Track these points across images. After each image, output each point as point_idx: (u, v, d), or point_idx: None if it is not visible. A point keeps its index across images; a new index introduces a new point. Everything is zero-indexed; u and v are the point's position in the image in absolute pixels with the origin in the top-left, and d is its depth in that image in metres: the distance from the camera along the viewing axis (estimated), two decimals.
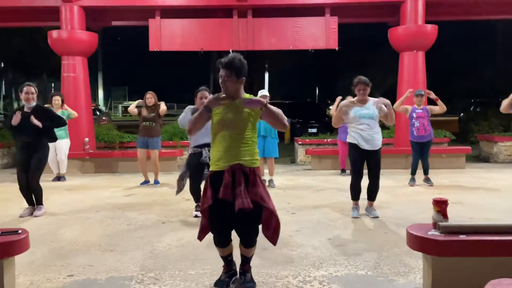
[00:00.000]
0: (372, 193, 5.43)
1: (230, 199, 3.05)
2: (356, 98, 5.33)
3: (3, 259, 3.05)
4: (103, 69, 36.02)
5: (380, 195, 6.59)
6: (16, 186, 5.68)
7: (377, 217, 5.34)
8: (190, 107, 5.56)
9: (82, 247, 4.35)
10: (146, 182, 7.89)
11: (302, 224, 5.12)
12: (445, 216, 3.14)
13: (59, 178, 8.53)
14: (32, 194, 5.64)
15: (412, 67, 9.92)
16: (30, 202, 5.65)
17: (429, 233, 3.06)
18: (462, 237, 2.95)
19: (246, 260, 3.31)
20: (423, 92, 7.64)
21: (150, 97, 7.73)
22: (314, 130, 15.95)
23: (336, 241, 4.45)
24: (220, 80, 3.18)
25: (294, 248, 4.22)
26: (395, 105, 7.51)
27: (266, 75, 35.73)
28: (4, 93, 38.01)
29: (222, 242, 3.22)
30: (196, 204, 5.52)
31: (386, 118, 5.35)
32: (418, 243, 3.06)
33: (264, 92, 7.28)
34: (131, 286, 3.36)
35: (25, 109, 5.52)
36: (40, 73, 16.99)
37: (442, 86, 20.59)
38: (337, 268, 3.69)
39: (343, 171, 8.95)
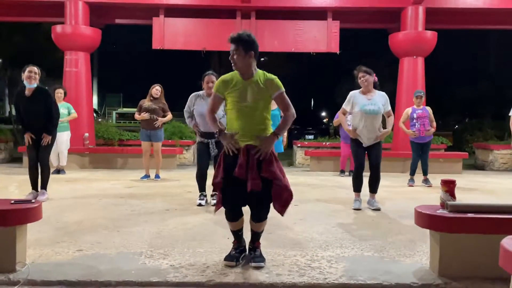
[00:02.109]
0: (374, 184, 5.50)
1: (244, 178, 3.13)
2: (360, 89, 5.40)
3: (16, 226, 3.07)
4: (98, 75, 36.01)
5: (380, 193, 6.66)
6: (14, 177, 5.68)
7: (378, 209, 5.40)
8: (193, 94, 5.59)
9: (89, 227, 4.36)
10: (146, 176, 7.90)
11: (305, 214, 5.17)
12: (453, 195, 3.21)
13: (58, 171, 8.52)
14: (39, 176, 5.62)
15: (412, 73, 10.09)
16: (35, 186, 5.64)
17: (438, 211, 3.12)
18: (470, 215, 3.01)
19: (256, 236, 3.37)
20: (422, 93, 7.75)
21: (159, 89, 7.68)
22: (311, 137, 16.07)
23: (341, 228, 4.50)
24: (229, 57, 3.24)
25: (299, 233, 4.26)
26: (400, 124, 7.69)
27: None
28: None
29: (232, 216, 3.28)
30: (200, 193, 5.55)
31: (389, 115, 5.45)
32: (426, 220, 3.12)
33: None
34: (140, 260, 3.37)
35: (26, 91, 5.49)
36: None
37: (437, 96, 20.81)
38: (344, 250, 3.73)
39: (342, 172, 9.02)
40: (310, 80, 37.18)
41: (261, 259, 3.31)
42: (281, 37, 10.15)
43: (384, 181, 7.89)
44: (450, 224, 3.01)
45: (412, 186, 7.59)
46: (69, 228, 4.31)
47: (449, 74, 25.08)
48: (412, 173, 7.75)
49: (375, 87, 5.42)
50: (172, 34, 10.13)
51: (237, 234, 3.37)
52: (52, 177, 7.98)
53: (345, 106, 5.51)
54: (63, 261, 3.33)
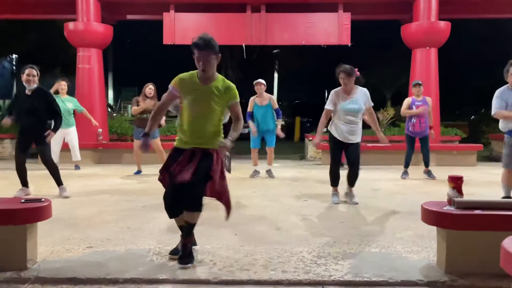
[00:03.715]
0: (352, 179, 5.48)
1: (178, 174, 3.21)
2: (342, 87, 5.30)
3: (26, 225, 3.14)
4: (113, 70, 36.27)
5: (390, 187, 6.64)
6: (28, 173, 5.79)
7: (356, 203, 5.37)
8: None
9: (99, 223, 4.43)
10: (139, 171, 7.96)
11: (314, 209, 5.17)
12: (460, 192, 3.18)
13: (77, 166, 8.63)
14: (50, 175, 5.76)
15: (425, 64, 9.96)
16: (24, 183, 5.74)
17: (444, 208, 3.10)
18: (477, 212, 2.98)
19: (188, 230, 3.35)
20: (420, 82, 7.60)
21: (152, 88, 7.74)
22: (324, 129, 16.00)
23: (349, 224, 4.49)
24: (198, 62, 3.24)
25: (307, 229, 4.27)
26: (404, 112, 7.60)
27: (276, 76, 35.88)
28: (15, 91, 38.33)
29: (172, 213, 3.37)
30: None
31: (370, 113, 5.41)
32: (433, 217, 3.10)
33: (259, 80, 7.47)
34: (148, 257, 3.42)
35: (26, 91, 5.60)
36: (53, 68, 17.21)
37: (454, 86, 20.50)
38: (351, 246, 3.73)
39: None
40: (324, 72, 36.89)
41: (189, 259, 3.22)
42: (291, 30, 10.10)
43: (395, 174, 7.88)
44: (456, 221, 2.99)
45: (405, 179, 7.49)
46: (81, 224, 4.39)
47: (465, 64, 24.65)
48: (406, 165, 7.65)
49: (358, 82, 5.32)
50: (183, 29, 10.16)
51: (181, 229, 3.43)
52: (66, 173, 8.16)
53: (327, 106, 5.37)
54: (73, 258, 3.40)
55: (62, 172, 8.11)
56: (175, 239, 3.85)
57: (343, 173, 5.59)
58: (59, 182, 5.79)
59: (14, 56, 22.64)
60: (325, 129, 5.69)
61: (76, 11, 9.85)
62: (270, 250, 3.56)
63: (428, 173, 7.59)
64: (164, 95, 3.46)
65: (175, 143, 3.44)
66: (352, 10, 10.08)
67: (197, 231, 4.11)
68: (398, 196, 6.01)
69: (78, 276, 3.02)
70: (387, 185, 6.84)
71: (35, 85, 5.59)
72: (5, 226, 3.08)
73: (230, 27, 10.05)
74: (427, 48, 9.85)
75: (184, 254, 3.25)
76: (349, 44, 10.09)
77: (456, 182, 3.19)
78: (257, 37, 10.03)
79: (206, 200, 5.43)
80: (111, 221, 4.51)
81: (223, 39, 10.29)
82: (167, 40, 10.18)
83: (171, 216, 3.39)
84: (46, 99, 5.65)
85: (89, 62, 9.96)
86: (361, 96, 5.27)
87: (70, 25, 9.91)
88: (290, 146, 14.19)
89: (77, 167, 8.66)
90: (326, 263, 3.31)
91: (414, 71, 10.10)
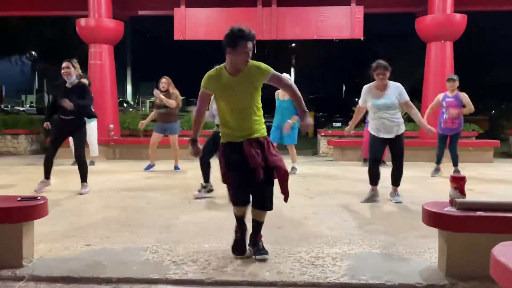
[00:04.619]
0: (396, 178, 5.37)
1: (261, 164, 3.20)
2: (374, 83, 5.23)
3: (22, 223, 3.14)
4: (131, 65, 36.60)
5: (403, 184, 6.49)
6: (38, 168, 5.85)
7: (399, 202, 5.26)
8: None
9: (101, 221, 4.44)
10: (150, 166, 7.92)
11: (319, 207, 5.09)
12: (462, 192, 3.07)
13: (92, 162, 8.70)
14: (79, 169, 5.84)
15: (440, 58, 9.71)
16: (47, 175, 5.81)
17: (445, 209, 2.99)
18: (479, 213, 2.87)
19: (258, 227, 3.40)
20: (455, 77, 7.37)
21: (165, 82, 7.69)
22: (339, 124, 15.83)
23: (352, 223, 4.40)
24: (244, 54, 3.18)
25: (309, 228, 4.20)
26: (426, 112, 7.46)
27: (292, 71, 35.66)
28: (37, 87, 38.96)
29: (243, 200, 3.36)
30: (201, 183, 5.54)
31: (407, 107, 5.25)
32: (433, 219, 3.00)
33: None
34: (145, 256, 3.40)
35: (67, 85, 5.68)
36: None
37: (474, 81, 20.02)
38: (351, 246, 3.65)
39: (365, 160, 8.82)
40: (341, 66, 36.52)
41: (265, 251, 3.33)
42: (303, 24, 9.96)
43: (408, 171, 7.66)
44: (457, 222, 2.88)
45: (434, 176, 7.31)
46: (83, 221, 4.41)
47: (487, 58, 24.04)
48: (438, 161, 7.45)
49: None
50: (194, 24, 10.12)
51: (241, 220, 3.43)
52: (75, 168, 8.23)
53: (359, 103, 5.39)
54: (70, 256, 3.40)
55: (75, 168, 8.24)
56: (173, 238, 3.85)
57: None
58: (84, 179, 5.84)
59: (33, 52, 23.04)
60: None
61: (88, 7, 9.90)
62: (268, 249, 3.49)
63: (457, 172, 7.38)
64: (199, 98, 3.42)
65: (222, 140, 3.39)
66: (365, 3, 9.88)
67: (197, 230, 4.11)
68: (409, 194, 5.85)
69: (72, 275, 3.02)
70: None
71: (73, 77, 5.65)
72: (1, 224, 3.09)
73: (240, 21, 9.70)
74: (442, 41, 9.59)
75: (259, 248, 3.33)
76: (362, 38, 9.90)
77: (458, 182, 3.08)
78: (268, 32, 9.92)
79: (208, 200, 5.44)
80: (112, 218, 4.52)
81: None
82: (177, 35, 10.16)
83: (244, 205, 3.38)
84: (83, 91, 5.73)
85: (101, 58, 10.02)
86: (393, 91, 5.16)
87: (82, 21, 9.97)
88: (304, 141, 14.06)
89: (92, 163, 8.72)
90: (324, 264, 3.24)
91: (428, 66, 9.87)
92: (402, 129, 5.25)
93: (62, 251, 3.51)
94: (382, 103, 5.12)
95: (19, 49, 19.80)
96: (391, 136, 5.20)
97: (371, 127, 5.30)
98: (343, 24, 9.91)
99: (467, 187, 3.18)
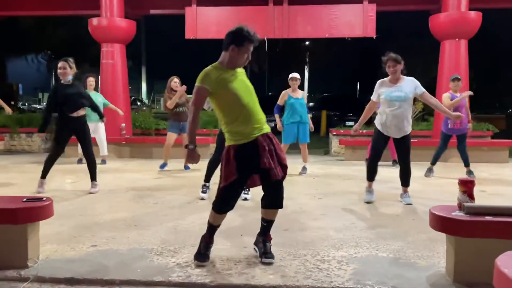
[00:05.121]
0: (404, 178, 5.29)
1: (267, 167, 3.16)
2: (388, 77, 5.15)
3: (27, 224, 3.16)
4: (146, 63, 36.85)
5: (412, 185, 6.39)
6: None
7: (410, 204, 5.18)
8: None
9: (108, 221, 4.45)
10: (165, 164, 7.94)
11: (327, 209, 5.04)
12: (471, 197, 3.00)
13: (103, 160, 8.77)
14: (88, 169, 5.90)
15: (454, 57, 9.55)
16: (45, 175, 5.83)
17: (453, 213, 2.92)
18: (488, 218, 2.79)
19: (269, 227, 3.41)
20: (459, 77, 7.29)
21: (177, 81, 7.69)
22: (352, 123, 15.69)
23: (360, 225, 4.34)
24: (246, 55, 3.20)
25: (316, 231, 4.15)
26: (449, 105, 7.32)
27: (306, 69, 35.40)
28: (53, 84, 39.54)
29: (231, 209, 3.30)
30: (205, 183, 5.52)
31: (427, 99, 5.11)
32: (440, 223, 2.94)
33: (294, 74, 7.30)
34: (149, 257, 3.40)
35: (66, 83, 5.72)
36: (82, 62, 17.61)
37: (489, 79, 19.68)
38: (358, 250, 3.59)
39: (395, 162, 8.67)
40: (356, 64, 36.20)
41: (272, 255, 3.30)
42: (315, 22, 9.87)
43: (420, 171, 7.59)
44: (465, 227, 2.81)
45: (429, 177, 7.19)
46: (90, 222, 4.42)
47: (503, 56, 23.61)
48: (433, 162, 7.34)
49: (402, 73, 5.17)
50: (205, 23, 10.11)
51: (215, 230, 3.39)
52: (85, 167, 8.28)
53: (372, 97, 5.30)
54: (75, 257, 3.41)
55: (85, 166, 8.29)
56: (179, 239, 3.84)
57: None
58: (94, 177, 5.88)
59: (48, 52, 23.37)
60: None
61: (100, 6, 9.96)
62: (274, 252, 3.46)
63: (469, 172, 7.26)
64: (196, 99, 3.23)
65: (231, 142, 3.19)
66: (377, 0, 9.76)
67: (203, 231, 4.06)
68: (420, 195, 5.77)
69: (75, 276, 3.02)
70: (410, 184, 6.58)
71: (69, 77, 5.72)
72: (6, 225, 3.11)
73: (252, 20, 9.87)
74: (457, 39, 9.42)
75: (266, 249, 3.30)
76: (374, 37, 9.78)
77: (467, 186, 3.01)
78: (280, 30, 9.86)
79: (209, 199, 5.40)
80: (120, 219, 4.53)
81: None
82: (189, 34, 10.16)
83: (228, 211, 3.32)
84: (81, 91, 5.87)
85: (113, 57, 10.07)
86: (408, 84, 5.06)
87: (94, 21, 10.04)
88: (316, 140, 13.98)
89: (103, 161, 8.78)
90: (329, 267, 3.19)
91: (442, 64, 9.71)
92: (409, 129, 5.17)
93: (68, 252, 3.52)
94: (395, 96, 5.02)
95: (35, 48, 20.06)
96: (398, 136, 5.13)
97: (378, 122, 5.21)
98: (355, 22, 9.81)
99: (480, 188, 3.11)
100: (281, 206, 3.33)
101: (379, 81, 5.24)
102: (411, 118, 5.23)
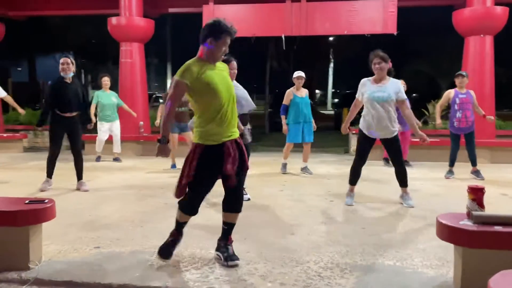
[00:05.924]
0: (401, 179, 5.13)
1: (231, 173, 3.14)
2: (373, 76, 5.02)
3: (29, 226, 3.17)
4: (172, 60, 37.15)
5: (430, 188, 6.21)
6: (67, 165, 5.96)
7: (411, 206, 5.01)
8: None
9: (115, 222, 4.46)
10: (174, 165, 7.96)
11: (337, 211, 4.92)
12: (480, 205, 2.85)
13: (115, 159, 8.87)
14: (77, 167, 5.96)
15: (479, 54, 9.21)
16: (51, 174, 5.94)
17: (461, 222, 2.78)
18: (498, 228, 2.64)
19: (231, 230, 3.38)
20: (464, 73, 7.03)
21: None
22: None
23: (370, 230, 4.21)
24: (224, 48, 3.15)
25: (323, 235, 4.05)
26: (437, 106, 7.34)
27: (331, 65, 34.91)
28: (83, 82, 40.34)
29: (196, 211, 3.31)
30: None
31: (403, 106, 5.00)
32: (447, 233, 2.80)
33: (300, 73, 7.22)
34: (150, 261, 3.38)
35: (66, 80, 5.80)
36: (106, 61, 17.89)
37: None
38: (364, 257, 3.48)
39: (386, 160, 8.47)
40: None
41: (236, 256, 3.28)
42: (333, 19, 9.68)
43: (436, 173, 7.37)
44: (472, 238, 2.67)
45: (449, 179, 6.95)
46: (97, 222, 4.44)
47: None
48: (451, 164, 7.09)
49: (389, 74, 5.06)
50: None
51: (183, 226, 3.42)
52: (106, 165, 8.40)
53: (357, 95, 5.16)
54: (77, 259, 3.41)
55: (103, 164, 8.40)
56: (182, 241, 3.78)
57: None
58: (80, 176, 5.95)
59: (71, 52, 23.84)
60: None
61: (119, 5, 10.03)
62: (276, 258, 3.40)
63: (476, 173, 7.01)
64: (174, 94, 3.11)
65: (200, 141, 3.12)
66: None
67: (207, 234, 4.04)
68: (436, 199, 5.59)
69: (74, 279, 3.03)
70: (426, 186, 6.39)
71: (71, 73, 5.79)
72: (7, 227, 3.13)
73: (269, 17, 9.81)
74: (482, 35, 9.09)
75: (229, 253, 3.29)
76: (395, 33, 9.52)
77: (477, 194, 2.86)
78: (297, 27, 9.71)
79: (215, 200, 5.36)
80: (127, 220, 4.53)
81: (262, 31, 10.14)
82: None
83: (194, 214, 3.33)
84: (81, 89, 5.97)
85: (131, 56, 10.14)
86: (392, 86, 4.95)
87: (113, 20, 10.12)
88: (337, 138, 13.78)
89: (117, 159, 8.88)
90: (331, 276, 3.10)
91: (466, 61, 9.38)
92: (395, 129, 4.99)
93: (71, 253, 3.53)
94: (378, 96, 4.90)
95: (61, 47, 20.47)
96: (383, 136, 4.99)
97: (362, 125, 5.09)
98: (375, 18, 9.56)
99: (501, 191, 2.95)
100: (239, 210, 3.32)
101: (362, 80, 5.13)
102: (395, 118, 5.03)
